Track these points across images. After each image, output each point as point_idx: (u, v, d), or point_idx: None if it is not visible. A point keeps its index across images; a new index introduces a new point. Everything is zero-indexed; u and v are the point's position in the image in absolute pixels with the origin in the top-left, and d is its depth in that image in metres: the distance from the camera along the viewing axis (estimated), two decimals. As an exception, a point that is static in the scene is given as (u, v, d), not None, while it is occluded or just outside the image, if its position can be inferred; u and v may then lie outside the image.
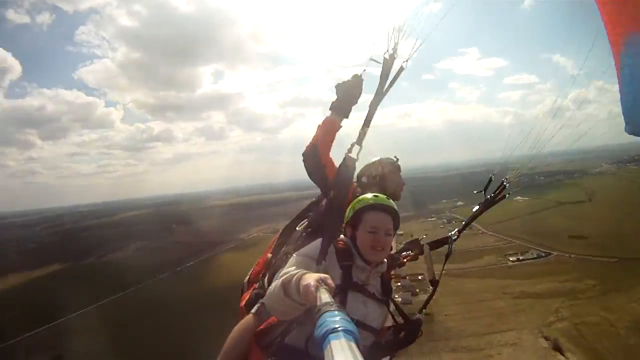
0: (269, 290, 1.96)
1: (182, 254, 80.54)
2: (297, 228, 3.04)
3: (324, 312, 1.09)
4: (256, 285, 2.83)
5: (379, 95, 2.79)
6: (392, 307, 2.40)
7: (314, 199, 3.18)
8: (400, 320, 2.39)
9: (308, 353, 1.96)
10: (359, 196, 2.32)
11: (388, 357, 2.46)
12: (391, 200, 2.27)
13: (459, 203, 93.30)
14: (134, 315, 52.12)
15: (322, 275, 1.50)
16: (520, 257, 60.91)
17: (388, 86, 2.81)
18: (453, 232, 3.19)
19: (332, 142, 2.79)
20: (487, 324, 42.82)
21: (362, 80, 2.76)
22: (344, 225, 2.31)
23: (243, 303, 2.77)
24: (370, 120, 2.76)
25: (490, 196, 3.24)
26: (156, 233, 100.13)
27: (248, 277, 3.02)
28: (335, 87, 2.78)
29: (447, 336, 41.37)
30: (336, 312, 1.08)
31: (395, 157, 3.28)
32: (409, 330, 2.32)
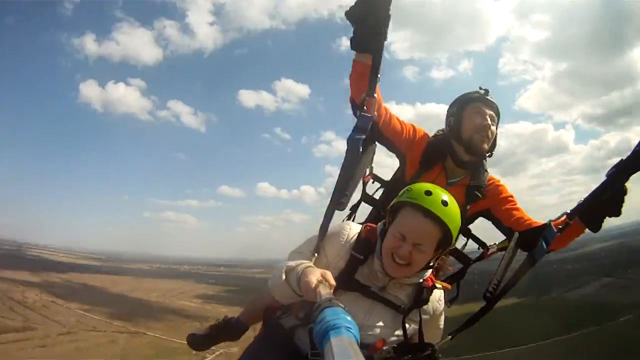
0: (273, 271, 1.70)
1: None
2: None
3: (324, 308, 1.03)
4: None
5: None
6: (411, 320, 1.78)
7: None
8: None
9: (292, 340, 1.75)
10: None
11: None
12: (448, 206, 1.54)
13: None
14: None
15: (324, 271, 1.39)
16: None
17: None
18: (559, 218, 2.07)
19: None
20: None
21: None
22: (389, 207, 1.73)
23: None
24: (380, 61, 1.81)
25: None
26: (623, 268, 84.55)
27: None
28: (346, 14, 1.75)
29: None
30: (337, 309, 1.02)
31: (480, 87, 2.42)
32: (415, 356, 1.76)
